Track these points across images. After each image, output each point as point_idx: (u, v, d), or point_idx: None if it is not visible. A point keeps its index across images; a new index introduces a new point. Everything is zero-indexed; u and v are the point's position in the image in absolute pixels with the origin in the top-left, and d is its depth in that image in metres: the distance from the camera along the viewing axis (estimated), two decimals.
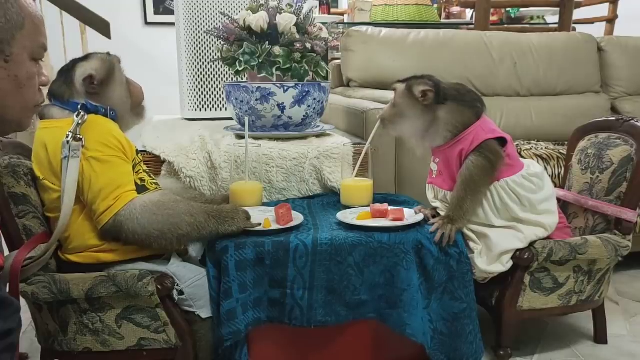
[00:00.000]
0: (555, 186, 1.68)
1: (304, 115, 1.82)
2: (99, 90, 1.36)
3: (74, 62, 1.37)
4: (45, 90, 1.09)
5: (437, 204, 1.54)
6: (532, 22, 4.00)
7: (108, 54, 1.42)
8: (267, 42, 1.78)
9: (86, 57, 1.38)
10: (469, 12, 3.97)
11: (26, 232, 1.30)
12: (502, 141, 1.47)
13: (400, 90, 1.51)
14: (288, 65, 1.78)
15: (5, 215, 1.30)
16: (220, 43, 1.91)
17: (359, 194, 1.62)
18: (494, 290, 1.54)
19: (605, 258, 1.54)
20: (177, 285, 1.31)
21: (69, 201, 1.25)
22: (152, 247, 1.29)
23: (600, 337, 1.68)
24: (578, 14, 3.61)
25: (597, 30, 3.45)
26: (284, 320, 1.35)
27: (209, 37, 2.30)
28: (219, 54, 1.88)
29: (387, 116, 1.55)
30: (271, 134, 1.82)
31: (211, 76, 2.38)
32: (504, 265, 1.46)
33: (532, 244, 1.48)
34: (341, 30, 3.38)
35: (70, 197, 1.25)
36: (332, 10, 4.23)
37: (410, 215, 1.49)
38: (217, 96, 2.41)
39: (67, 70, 1.36)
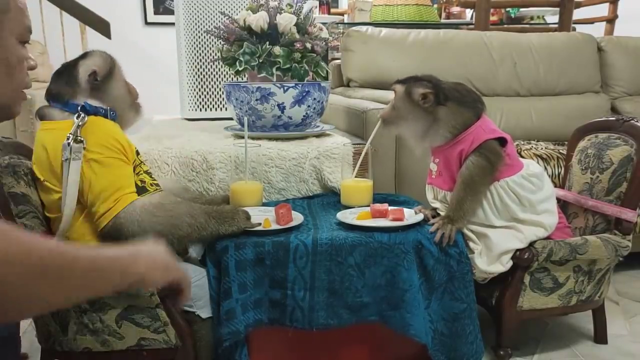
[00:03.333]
0: (555, 186, 1.68)
1: (304, 115, 1.82)
2: (102, 86, 1.35)
3: (75, 61, 1.36)
4: (32, 75, 1.08)
5: (436, 204, 1.54)
6: (532, 22, 4.00)
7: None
8: (267, 42, 1.78)
9: (85, 55, 1.38)
10: (469, 12, 3.97)
11: None
12: (501, 141, 1.47)
13: (400, 93, 1.51)
14: (288, 65, 1.78)
15: (5, 215, 1.29)
16: (220, 43, 1.91)
17: (359, 194, 1.62)
18: (494, 290, 1.54)
19: (605, 258, 1.54)
20: None
21: (70, 203, 1.24)
22: None
23: (600, 337, 1.69)
24: (578, 14, 3.61)
25: (597, 30, 3.45)
26: (285, 322, 1.34)
27: (209, 37, 2.31)
28: (219, 54, 1.88)
29: (387, 117, 1.55)
30: (271, 134, 1.82)
31: (211, 76, 2.38)
32: (503, 265, 1.46)
33: (532, 244, 1.48)
34: (341, 30, 3.38)
35: (72, 199, 1.24)
36: (332, 10, 4.23)
37: (410, 215, 1.49)
38: (217, 96, 2.41)
39: (67, 71, 1.35)
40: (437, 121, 1.47)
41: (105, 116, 1.35)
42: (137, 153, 1.38)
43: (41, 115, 1.34)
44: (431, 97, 1.46)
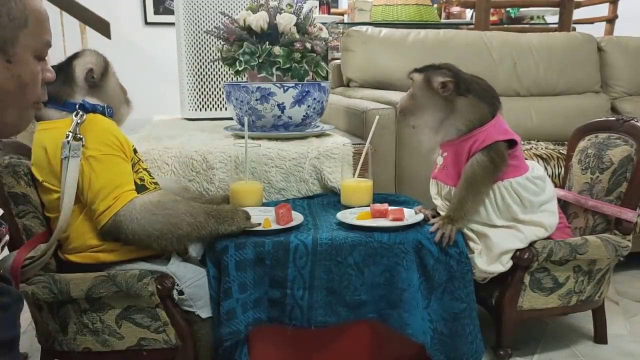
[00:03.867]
0: (556, 186, 1.68)
1: (304, 115, 1.82)
2: (99, 83, 1.37)
3: (67, 62, 1.37)
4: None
5: (438, 201, 1.53)
6: (532, 22, 4.00)
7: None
8: (267, 42, 1.78)
9: (77, 55, 1.39)
10: (469, 12, 3.97)
11: (26, 232, 1.30)
12: (511, 142, 1.46)
13: (418, 81, 1.50)
14: (288, 65, 1.78)
15: (5, 215, 1.30)
16: (220, 43, 1.91)
17: (359, 195, 1.62)
18: (494, 290, 1.54)
19: (605, 258, 1.54)
20: (177, 285, 1.31)
21: (68, 201, 1.25)
22: (152, 247, 1.29)
23: (600, 337, 1.68)
24: (578, 14, 3.61)
25: (597, 30, 3.45)
26: (284, 320, 1.35)
27: (209, 37, 2.31)
28: (219, 54, 1.88)
29: (405, 106, 1.54)
30: (271, 134, 1.82)
31: (211, 76, 2.38)
32: (503, 265, 1.46)
33: (532, 244, 1.48)
34: (341, 30, 3.38)
35: (70, 197, 1.24)
36: (332, 10, 4.23)
37: (410, 215, 1.49)
38: (217, 96, 2.41)
39: (61, 71, 1.34)
40: (455, 112, 1.45)
41: (103, 113, 1.35)
42: (135, 151, 1.38)
43: (38, 117, 1.33)
44: (451, 86, 1.44)
